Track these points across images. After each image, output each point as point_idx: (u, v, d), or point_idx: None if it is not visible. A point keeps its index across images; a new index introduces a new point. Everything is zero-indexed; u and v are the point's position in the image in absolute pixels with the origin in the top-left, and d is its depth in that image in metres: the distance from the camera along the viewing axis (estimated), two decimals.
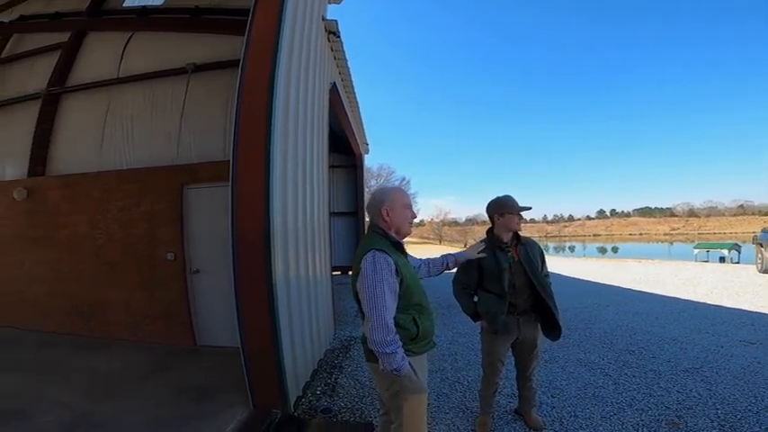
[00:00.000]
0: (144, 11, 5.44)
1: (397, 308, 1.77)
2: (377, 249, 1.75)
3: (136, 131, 5.13)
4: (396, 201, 1.91)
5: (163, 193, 4.74)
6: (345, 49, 5.66)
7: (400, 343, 1.71)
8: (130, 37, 5.50)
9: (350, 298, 1.83)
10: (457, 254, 2.50)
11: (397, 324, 1.74)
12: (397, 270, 1.75)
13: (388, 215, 1.88)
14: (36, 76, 5.71)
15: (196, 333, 4.65)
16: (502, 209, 2.60)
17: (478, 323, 2.72)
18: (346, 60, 6.02)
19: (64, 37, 5.70)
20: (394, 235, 1.90)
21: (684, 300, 7.47)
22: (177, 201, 4.70)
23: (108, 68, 5.40)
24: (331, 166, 7.63)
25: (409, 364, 1.75)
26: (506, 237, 2.60)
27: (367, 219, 2.00)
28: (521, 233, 2.67)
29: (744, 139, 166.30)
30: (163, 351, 4.36)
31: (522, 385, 2.79)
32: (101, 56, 5.54)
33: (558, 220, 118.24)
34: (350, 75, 6.56)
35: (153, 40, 5.38)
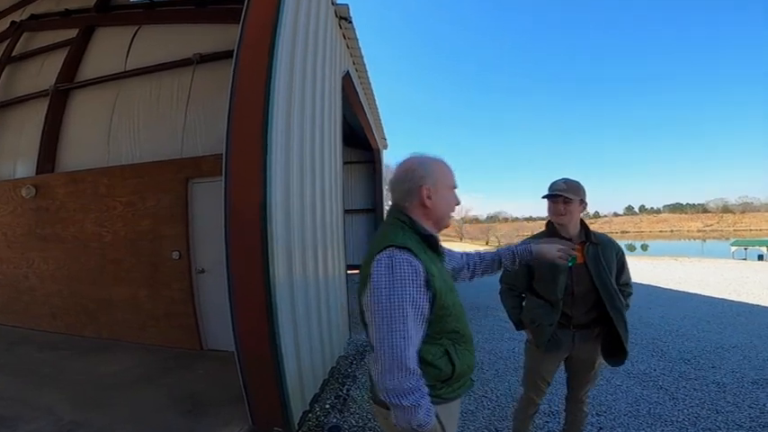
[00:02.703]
0: (150, 4, 5.30)
1: (425, 336, 1.15)
2: (397, 247, 1.12)
3: (142, 125, 4.96)
4: (441, 180, 1.28)
5: (168, 187, 4.50)
6: (359, 35, 5.30)
7: (426, 390, 1.09)
8: (137, 30, 5.35)
9: None
10: (534, 245, 1.69)
11: (422, 360, 1.14)
12: (428, 281, 1.12)
13: (429, 197, 1.25)
14: (46, 73, 5.64)
15: (202, 336, 4.41)
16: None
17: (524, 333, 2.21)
18: (360, 48, 5.66)
19: (73, 33, 5.63)
20: (428, 227, 1.27)
21: (737, 302, 6.79)
22: (182, 196, 4.45)
23: (115, 63, 5.27)
24: (347, 162, 7.31)
25: (436, 415, 1.13)
26: (570, 231, 2.01)
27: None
28: (592, 228, 2.08)
29: None
30: (166, 354, 4.15)
31: (572, 406, 2.27)
32: (108, 51, 5.42)
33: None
34: (364, 63, 6.19)
35: (159, 32, 5.23)
